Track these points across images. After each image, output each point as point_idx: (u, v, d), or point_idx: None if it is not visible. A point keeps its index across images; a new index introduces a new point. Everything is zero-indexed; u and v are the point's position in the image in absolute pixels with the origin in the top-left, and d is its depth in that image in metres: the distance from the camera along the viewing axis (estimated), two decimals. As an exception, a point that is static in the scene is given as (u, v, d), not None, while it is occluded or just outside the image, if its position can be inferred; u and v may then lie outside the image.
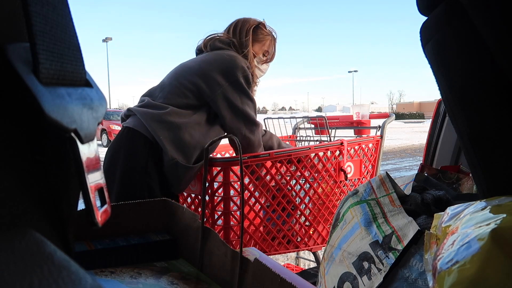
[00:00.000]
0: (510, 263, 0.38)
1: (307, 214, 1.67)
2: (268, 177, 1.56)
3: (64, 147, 0.23)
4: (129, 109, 1.53)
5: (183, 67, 1.58)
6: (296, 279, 0.61)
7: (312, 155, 1.65)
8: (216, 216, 1.51)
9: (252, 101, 1.59)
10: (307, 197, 1.68)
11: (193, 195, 1.63)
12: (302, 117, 2.33)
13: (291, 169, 1.62)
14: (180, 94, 1.51)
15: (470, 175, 1.05)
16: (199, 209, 1.61)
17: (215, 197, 1.50)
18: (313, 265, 2.25)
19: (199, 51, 1.69)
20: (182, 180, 1.47)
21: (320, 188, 1.70)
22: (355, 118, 2.22)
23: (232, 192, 1.50)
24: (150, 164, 1.44)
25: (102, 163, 1.53)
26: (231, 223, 1.51)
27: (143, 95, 1.59)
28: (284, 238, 1.64)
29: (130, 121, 1.50)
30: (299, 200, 1.67)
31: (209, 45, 1.62)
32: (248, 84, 1.57)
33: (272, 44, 1.72)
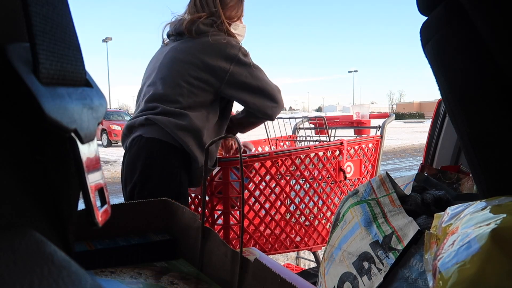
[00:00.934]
0: (510, 263, 0.38)
1: (307, 214, 1.67)
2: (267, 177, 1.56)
3: (64, 147, 0.23)
4: (147, 119, 1.44)
5: (180, 63, 1.49)
6: (296, 279, 0.61)
7: (312, 155, 1.65)
8: (215, 216, 1.51)
9: (259, 69, 1.54)
10: (307, 197, 1.68)
11: (193, 195, 1.63)
12: (302, 117, 2.33)
13: (291, 169, 1.62)
14: (190, 94, 1.46)
15: (470, 175, 1.05)
16: (199, 209, 1.61)
17: (215, 197, 1.50)
18: (313, 265, 2.25)
19: (178, 35, 1.57)
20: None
21: (320, 188, 1.70)
22: (355, 118, 2.22)
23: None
24: (182, 172, 1.43)
25: (120, 170, 1.50)
26: (231, 222, 1.51)
27: (150, 100, 1.50)
28: (285, 238, 1.64)
29: (151, 130, 1.43)
30: (299, 200, 1.67)
31: (194, 30, 1.52)
32: (247, 57, 1.53)
33: (241, 3, 1.61)
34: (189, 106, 1.46)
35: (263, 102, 1.52)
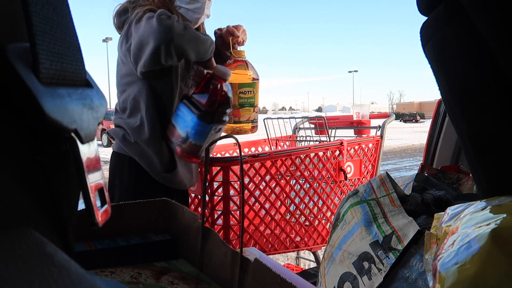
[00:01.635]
0: (510, 263, 0.38)
1: (307, 214, 1.67)
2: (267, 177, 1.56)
3: (64, 147, 0.23)
4: (107, 132, 1.42)
5: (116, 67, 1.41)
6: (296, 279, 0.61)
7: (312, 155, 1.65)
8: (215, 216, 1.51)
9: (140, 22, 1.20)
10: (307, 197, 1.68)
11: (192, 195, 1.63)
12: (302, 117, 2.33)
13: (291, 169, 1.62)
14: (129, 94, 1.32)
15: (470, 175, 1.05)
16: (199, 209, 1.61)
17: (215, 197, 1.50)
18: (313, 265, 2.25)
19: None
20: (179, 182, 1.38)
21: (320, 188, 1.70)
22: (355, 118, 2.23)
23: (231, 191, 1.50)
24: (141, 184, 1.34)
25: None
26: (231, 222, 1.51)
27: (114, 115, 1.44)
28: (285, 238, 1.64)
29: (114, 144, 1.41)
30: (299, 200, 1.67)
31: (117, 26, 1.38)
32: (139, 19, 1.20)
33: None
34: (133, 108, 1.32)
35: (148, 52, 1.16)
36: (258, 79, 1.45)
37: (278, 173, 1.58)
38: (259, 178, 1.56)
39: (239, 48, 1.46)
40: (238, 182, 1.47)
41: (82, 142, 0.24)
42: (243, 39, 1.46)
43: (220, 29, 1.46)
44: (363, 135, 2.11)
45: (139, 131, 1.32)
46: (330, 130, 2.11)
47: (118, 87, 1.40)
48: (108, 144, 14.71)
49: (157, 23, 1.14)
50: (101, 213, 0.24)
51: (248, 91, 1.43)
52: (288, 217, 1.64)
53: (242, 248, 0.61)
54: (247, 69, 1.43)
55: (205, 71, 1.38)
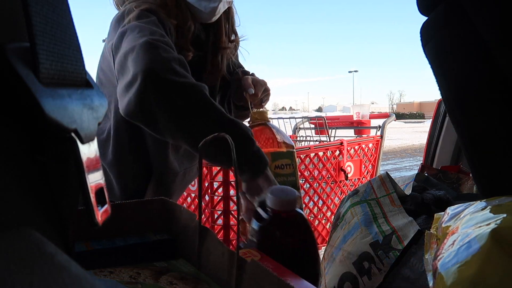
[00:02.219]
0: (510, 263, 0.38)
1: (307, 214, 1.68)
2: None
3: (64, 147, 0.23)
4: None
5: None
6: (296, 279, 0.61)
7: (312, 155, 1.65)
8: (215, 216, 1.51)
9: (131, 29, 0.90)
10: (307, 197, 1.68)
11: (193, 195, 1.63)
12: (302, 117, 2.33)
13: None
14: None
15: (470, 175, 1.05)
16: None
17: (215, 197, 1.50)
18: (313, 265, 2.24)
19: None
20: None
21: (320, 188, 1.70)
22: (355, 118, 2.23)
23: (232, 191, 1.50)
24: None
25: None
26: (231, 222, 1.51)
27: None
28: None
29: None
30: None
31: (116, 3, 1.15)
32: (144, 18, 0.92)
33: None
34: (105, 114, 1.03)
35: (119, 86, 0.86)
36: (293, 148, 1.00)
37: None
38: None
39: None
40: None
41: (82, 142, 0.24)
42: (262, 100, 1.14)
43: (244, 72, 1.17)
44: (363, 135, 2.11)
45: (104, 147, 1.04)
46: (330, 130, 2.12)
47: (97, 78, 1.11)
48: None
49: (141, 50, 0.82)
50: (101, 213, 0.24)
51: (286, 165, 0.97)
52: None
53: (238, 248, 0.61)
54: (276, 133, 1.00)
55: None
